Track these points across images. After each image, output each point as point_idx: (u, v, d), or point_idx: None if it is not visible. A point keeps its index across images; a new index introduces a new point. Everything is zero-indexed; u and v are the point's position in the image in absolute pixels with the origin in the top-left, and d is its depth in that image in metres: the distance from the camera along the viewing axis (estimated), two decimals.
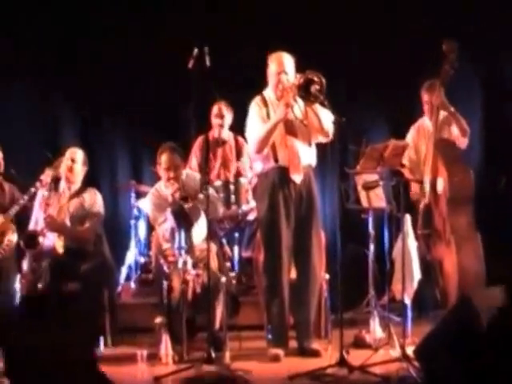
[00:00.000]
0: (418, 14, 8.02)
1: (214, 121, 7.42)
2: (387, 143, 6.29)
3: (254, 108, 6.00)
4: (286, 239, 5.88)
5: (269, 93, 6.03)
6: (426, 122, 7.13)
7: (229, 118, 7.48)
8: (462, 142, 6.95)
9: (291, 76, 5.90)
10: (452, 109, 6.90)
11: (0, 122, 7.72)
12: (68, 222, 6.46)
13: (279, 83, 5.91)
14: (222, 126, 7.44)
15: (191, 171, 6.75)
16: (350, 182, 6.49)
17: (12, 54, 8.04)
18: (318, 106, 5.81)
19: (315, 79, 5.62)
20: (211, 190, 6.09)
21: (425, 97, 7.06)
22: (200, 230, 5.98)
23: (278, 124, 5.85)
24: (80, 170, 6.60)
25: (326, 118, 5.80)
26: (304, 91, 5.67)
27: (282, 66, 5.92)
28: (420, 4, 8.03)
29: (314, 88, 5.62)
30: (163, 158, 6.20)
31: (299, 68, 5.91)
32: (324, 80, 5.59)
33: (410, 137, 7.16)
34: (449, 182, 6.72)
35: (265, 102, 6.00)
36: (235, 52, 7.77)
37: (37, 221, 6.51)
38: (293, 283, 5.97)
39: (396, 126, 7.73)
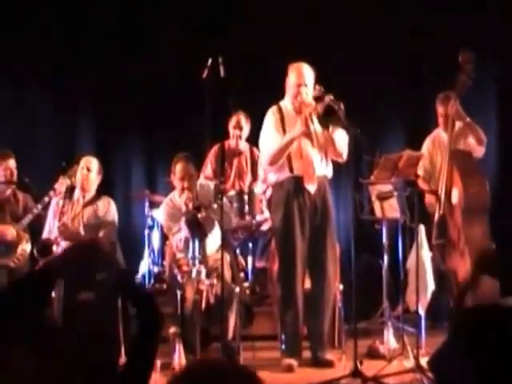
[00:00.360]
0: (434, 24, 8.00)
1: (233, 132, 7.41)
2: (401, 153, 6.27)
3: (270, 118, 5.97)
4: (300, 249, 5.86)
5: (286, 103, 6.01)
6: (441, 132, 7.10)
7: (247, 129, 7.46)
8: (479, 151, 6.90)
9: (310, 88, 5.88)
10: (468, 119, 6.87)
11: (13, 131, 7.73)
12: (82, 231, 6.47)
13: (298, 95, 5.88)
14: (240, 137, 7.43)
15: (205, 181, 6.74)
16: (364, 193, 6.46)
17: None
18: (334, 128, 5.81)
19: (335, 107, 5.59)
20: (224, 200, 6.09)
21: (440, 109, 7.02)
22: (214, 239, 5.99)
23: (294, 140, 5.82)
24: (95, 179, 6.61)
25: (342, 139, 5.78)
26: (322, 115, 5.66)
27: (302, 78, 5.89)
28: (438, 15, 8.01)
29: (333, 114, 5.59)
30: (178, 168, 6.20)
31: (318, 79, 5.90)
32: (343, 107, 5.57)
33: (426, 147, 7.14)
34: (464, 193, 6.69)
35: (281, 113, 5.97)
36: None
37: (50, 229, 6.51)
38: (307, 293, 5.96)
39: (411, 136, 7.71)
